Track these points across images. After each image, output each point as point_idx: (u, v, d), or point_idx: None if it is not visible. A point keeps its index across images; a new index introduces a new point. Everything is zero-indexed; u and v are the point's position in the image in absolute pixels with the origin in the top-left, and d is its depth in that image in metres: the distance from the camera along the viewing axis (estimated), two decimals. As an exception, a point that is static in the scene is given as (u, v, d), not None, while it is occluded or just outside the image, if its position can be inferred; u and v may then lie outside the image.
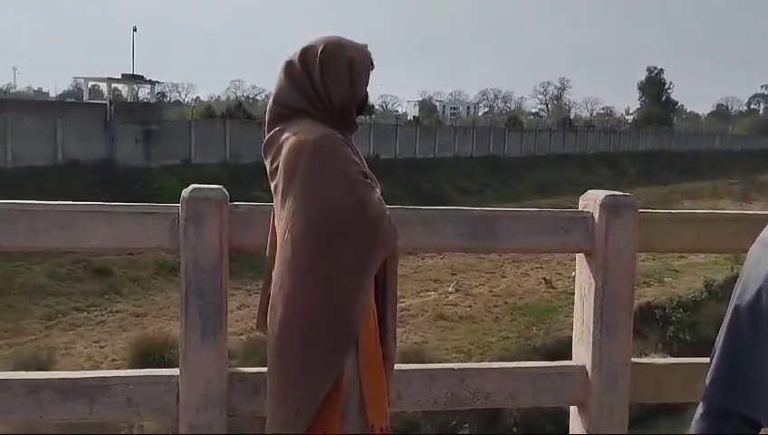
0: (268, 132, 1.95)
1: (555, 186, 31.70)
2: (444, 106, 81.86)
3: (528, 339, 17.05)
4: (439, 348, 16.32)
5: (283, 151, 1.84)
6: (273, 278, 1.86)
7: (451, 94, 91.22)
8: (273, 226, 1.95)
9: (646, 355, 15.54)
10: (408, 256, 20.38)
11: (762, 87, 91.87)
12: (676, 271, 21.89)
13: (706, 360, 2.25)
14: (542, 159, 40.41)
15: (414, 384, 2.34)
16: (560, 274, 20.78)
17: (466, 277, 21.67)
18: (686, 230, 2.63)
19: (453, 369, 2.42)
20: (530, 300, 19.78)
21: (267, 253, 1.99)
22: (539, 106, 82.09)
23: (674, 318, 17.51)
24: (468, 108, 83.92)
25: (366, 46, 1.99)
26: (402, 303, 18.23)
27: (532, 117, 69.48)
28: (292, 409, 1.79)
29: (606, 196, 2.41)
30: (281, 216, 1.84)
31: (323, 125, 1.87)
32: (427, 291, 20.32)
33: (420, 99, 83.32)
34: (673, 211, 2.73)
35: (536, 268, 22.63)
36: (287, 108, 1.93)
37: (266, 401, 1.88)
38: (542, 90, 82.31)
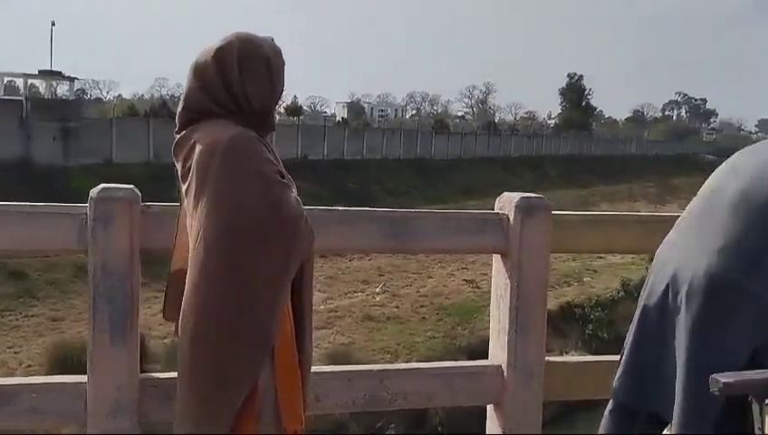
0: (178, 134, 1.89)
1: (481, 188, 32.18)
2: (372, 108, 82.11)
3: (453, 338, 17.25)
4: (366, 349, 16.33)
5: (196, 153, 1.79)
6: (187, 282, 1.80)
7: (379, 96, 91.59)
8: (179, 226, 1.90)
9: (566, 353, 15.93)
10: (336, 257, 20.35)
11: (675, 94, 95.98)
12: (595, 271, 22.56)
13: (617, 358, 2.33)
14: (468, 162, 40.99)
15: (332, 386, 2.33)
16: (484, 274, 21.09)
17: (393, 278, 21.75)
18: (597, 231, 2.70)
19: (371, 370, 2.42)
20: (456, 300, 20.03)
21: (173, 257, 1.93)
22: (465, 109, 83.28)
23: (592, 317, 18.04)
24: (396, 110, 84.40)
25: (273, 39, 1.93)
26: (330, 304, 18.19)
27: (458, 120, 70.40)
28: (209, 417, 1.75)
29: (520, 198, 2.46)
30: (194, 217, 1.79)
31: (237, 125, 1.82)
32: (355, 292, 20.31)
33: (349, 100, 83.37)
34: (585, 213, 2.80)
35: (462, 269, 22.92)
36: (198, 111, 1.86)
37: (177, 406, 1.83)
38: (468, 93, 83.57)
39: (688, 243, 2.13)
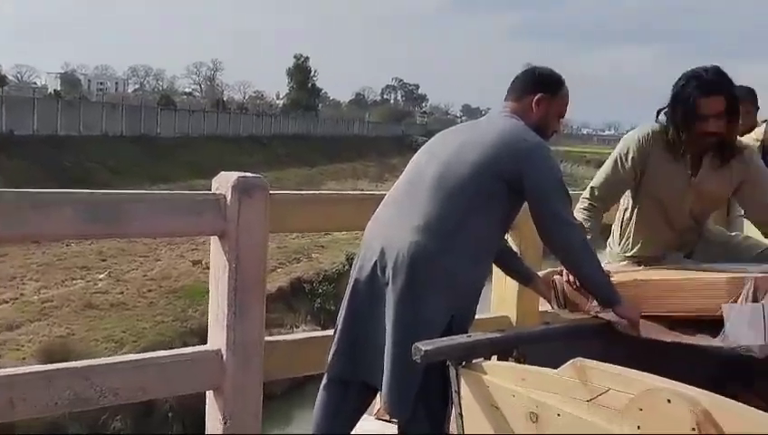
0: None
1: (210, 166, 31.13)
2: (89, 81, 76.08)
3: (184, 322, 16.73)
4: (87, 339, 15.19)
5: None
6: None
7: (97, 68, 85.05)
8: None
9: (296, 328, 16.32)
10: (50, 243, 18.62)
11: (392, 79, 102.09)
12: (323, 247, 23.32)
13: (332, 333, 2.40)
14: (197, 140, 39.91)
15: (30, 388, 2.09)
16: (215, 254, 20.68)
17: (118, 263, 20.48)
18: (314, 210, 2.76)
19: (75, 367, 2.22)
20: (185, 282, 19.41)
21: None
22: (192, 86, 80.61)
23: (320, 290, 18.60)
24: (117, 84, 79.16)
25: None
26: (44, 294, 16.64)
27: (185, 97, 68.02)
28: None
29: (237, 178, 2.41)
30: None
31: None
32: (74, 279, 18.77)
33: (62, 71, 76.29)
34: (302, 192, 2.85)
35: (192, 250, 22.29)
36: None
37: None
38: (196, 70, 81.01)
39: (394, 221, 2.25)
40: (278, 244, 21.08)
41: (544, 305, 2.93)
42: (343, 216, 2.86)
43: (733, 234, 2.78)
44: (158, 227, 2.39)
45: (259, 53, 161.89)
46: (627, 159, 2.67)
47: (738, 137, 4.06)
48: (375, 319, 2.19)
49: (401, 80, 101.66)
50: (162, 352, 2.50)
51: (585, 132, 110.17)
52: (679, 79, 2.57)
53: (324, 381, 2.34)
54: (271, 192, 2.51)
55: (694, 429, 1.33)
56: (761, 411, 1.31)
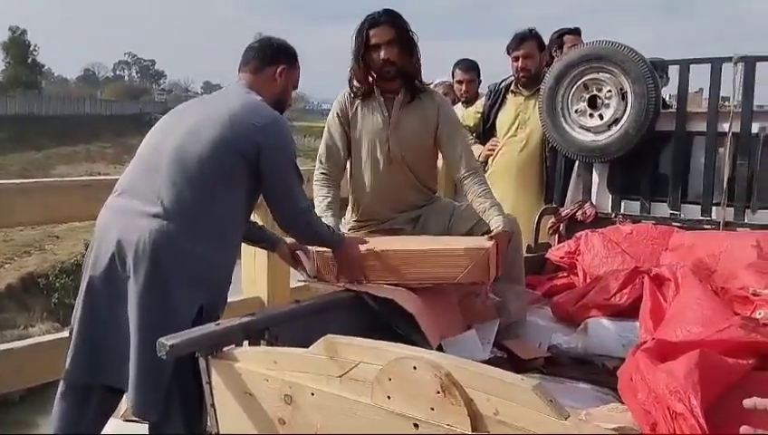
0: None
1: None
2: None
3: None
4: None
5: None
6: None
7: None
8: None
9: (32, 327, 14.88)
10: None
11: (125, 54, 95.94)
12: (57, 237, 21.45)
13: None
14: None
15: None
16: None
17: None
18: (35, 200, 2.47)
19: None
20: None
21: None
22: None
23: (58, 284, 17.22)
24: None
25: None
26: None
27: None
28: None
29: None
30: None
31: None
32: None
33: None
34: (17, 181, 2.55)
35: None
36: None
37: None
38: None
39: (130, 208, 2.08)
40: (3, 237, 19.03)
41: (295, 281, 2.93)
42: (71, 205, 2.60)
43: (458, 204, 3.00)
44: None
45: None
46: (334, 120, 2.87)
47: (464, 108, 4.42)
48: (116, 316, 2.02)
49: (135, 55, 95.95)
50: None
51: (325, 108, 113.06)
52: None
53: (61, 388, 2.12)
54: (-21, 183, 2.20)
55: (438, 391, 1.39)
56: (497, 368, 1.40)
